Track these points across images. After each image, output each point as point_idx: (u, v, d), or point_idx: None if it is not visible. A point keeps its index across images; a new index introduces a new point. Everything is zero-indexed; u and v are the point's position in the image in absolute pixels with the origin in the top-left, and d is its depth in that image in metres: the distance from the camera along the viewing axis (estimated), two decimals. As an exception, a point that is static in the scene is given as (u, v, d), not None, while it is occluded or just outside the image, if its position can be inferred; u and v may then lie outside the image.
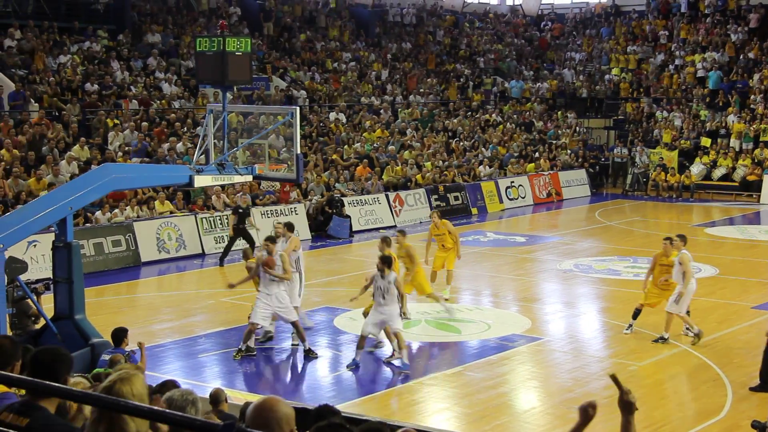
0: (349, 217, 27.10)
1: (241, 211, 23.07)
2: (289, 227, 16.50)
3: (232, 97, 27.60)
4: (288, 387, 14.15)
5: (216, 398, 8.92)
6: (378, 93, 36.66)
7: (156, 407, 4.08)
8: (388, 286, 14.25)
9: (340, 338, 16.31)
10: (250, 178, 15.53)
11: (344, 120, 33.33)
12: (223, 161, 14.79)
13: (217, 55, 14.40)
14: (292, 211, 26.26)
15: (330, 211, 26.85)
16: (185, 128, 28.00)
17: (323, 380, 14.43)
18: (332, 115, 33.15)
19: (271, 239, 15.19)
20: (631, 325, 16.24)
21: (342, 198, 27.42)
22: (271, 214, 25.81)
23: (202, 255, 23.82)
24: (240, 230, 22.92)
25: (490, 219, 30.79)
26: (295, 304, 15.41)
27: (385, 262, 14.44)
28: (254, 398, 9.78)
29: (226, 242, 23.38)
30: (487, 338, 16.27)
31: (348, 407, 12.41)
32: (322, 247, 25.50)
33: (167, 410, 4.06)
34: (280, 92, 32.44)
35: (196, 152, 15.58)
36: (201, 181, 14.71)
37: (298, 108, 15.95)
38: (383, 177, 29.96)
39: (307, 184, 27.33)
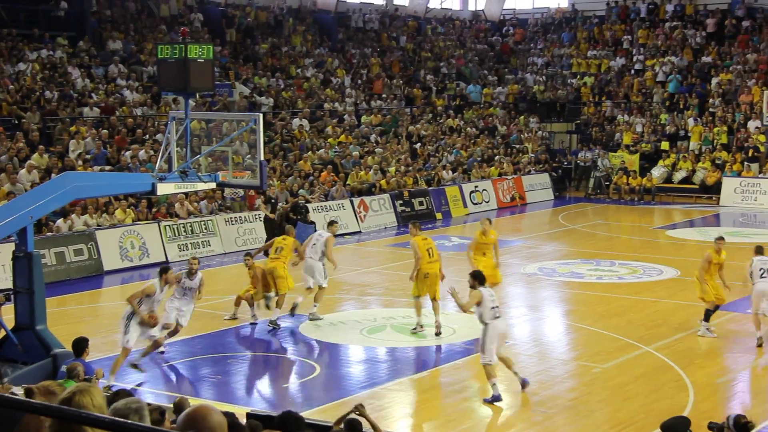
0: (313, 223, 27.04)
1: (273, 201, 24.97)
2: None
3: (194, 103, 27.48)
4: (253, 394, 14.10)
5: (179, 407, 8.85)
6: (341, 98, 36.67)
7: (116, 418, 4.05)
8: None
9: (305, 345, 16.28)
10: (213, 185, 15.51)
11: (308, 126, 33.30)
12: (186, 169, 14.73)
13: (179, 62, 14.35)
14: (256, 218, 26.19)
15: (294, 217, 26.79)
16: (147, 135, 27.83)
17: (288, 387, 14.39)
18: (296, 122, 33.11)
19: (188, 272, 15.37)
20: (708, 328, 16.20)
21: (306, 204, 27.38)
22: (235, 221, 25.73)
23: (166, 263, 23.64)
24: (269, 220, 24.68)
25: (455, 224, 30.90)
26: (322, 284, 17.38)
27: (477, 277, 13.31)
28: (222, 407, 9.74)
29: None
30: (452, 342, 16.32)
31: (313, 414, 12.39)
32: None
33: (128, 421, 4.03)
34: (243, 99, 32.35)
35: (159, 160, 15.50)
36: (163, 188, 14.65)
37: (261, 115, 15.93)
38: (348, 183, 29.96)
39: (274, 193, 27.28)
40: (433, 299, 16.59)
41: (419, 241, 16.63)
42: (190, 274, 15.33)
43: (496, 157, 36.04)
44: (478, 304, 12.86)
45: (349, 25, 42.48)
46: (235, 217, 25.78)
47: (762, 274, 15.37)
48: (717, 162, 35.13)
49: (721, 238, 16.93)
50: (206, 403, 4.18)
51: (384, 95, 38.38)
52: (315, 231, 26.68)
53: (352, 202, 28.84)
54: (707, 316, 16.25)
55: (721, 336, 16.58)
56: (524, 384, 13.26)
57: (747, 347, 15.81)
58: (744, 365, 14.88)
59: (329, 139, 32.95)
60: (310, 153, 31.18)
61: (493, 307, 12.89)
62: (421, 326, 16.51)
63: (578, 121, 41.41)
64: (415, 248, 16.55)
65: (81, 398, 4.00)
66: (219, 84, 30.70)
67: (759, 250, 16.08)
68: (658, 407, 12.68)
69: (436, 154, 34.82)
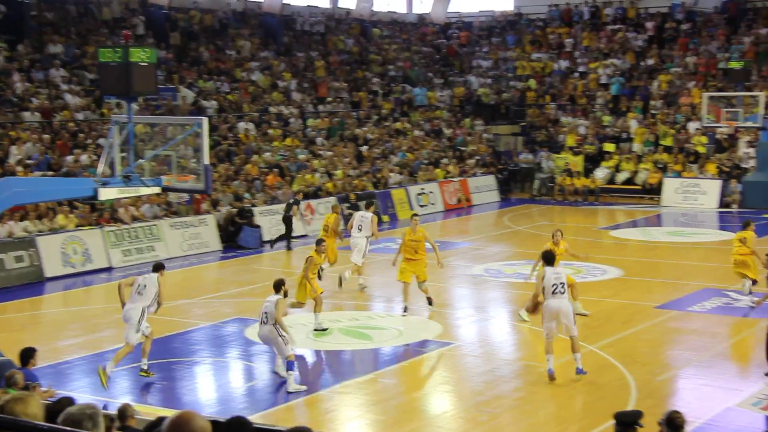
0: (259, 226, 26.97)
1: (291, 201, 26.30)
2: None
3: (138, 107, 27.20)
4: (199, 399, 14.00)
5: (123, 414, 8.79)
6: (287, 102, 36.58)
7: (55, 425, 4.03)
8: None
9: (251, 349, 16.22)
10: (157, 189, 15.36)
11: (253, 129, 33.17)
12: (129, 173, 14.59)
13: (121, 66, 14.21)
14: (201, 223, 26.02)
15: (240, 221, 26.68)
16: (90, 140, 27.50)
17: (235, 392, 14.33)
18: (241, 125, 32.96)
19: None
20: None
21: (252, 208, 27.27)
22: (181, 226, 25.54)
23: (109, 269, 23.41)
24: (285, 219, 26.01)
25: (401, 226, 30.94)
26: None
27: None
28: (166, 413, 9.66)
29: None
30: (398, 344, 16.38)
31: (260, 418, 12.36)
32: (233, 258, 25.31)
33: (66, 428, 4.02)
34: (188, 103, 32.12)
35: (100, 164, 15.33)
36: (106, 193, 14.49)
37: (206, 118, 15.83)
38: (294, 186, 29.89)
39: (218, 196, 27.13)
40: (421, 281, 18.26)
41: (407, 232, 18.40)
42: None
43: (443, 160, 36.23)
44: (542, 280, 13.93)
45: (295, 27, 42.39)
46: (180, 222, 25.59)
47: None
48: (659, 164, 35.69)
49: None
50: (189, 410, 4.28)
51: (330, 98, 38.36)
52: (261, 235, 26.73)
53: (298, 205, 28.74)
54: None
55: (663, 334, 16.87)
56: (579, 371, 13.74)
57: (687, 345, 16.10)
58: (684, 363, 15.13)
59: (275, 143, 32.85)
60: (256, 156, 31.06)
61: (552, 285, 13.76)
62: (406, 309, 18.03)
63: (523, 124, 41.78)
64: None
65: (14, 406, 3.97)
66: (163, 88, 30.45)
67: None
68: (601, 405, 12.86)
69: (383, 158, 34.89)
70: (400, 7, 49.43)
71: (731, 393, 13.34)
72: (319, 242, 17.38)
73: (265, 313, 13.86)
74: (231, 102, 34.44)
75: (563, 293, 13.84)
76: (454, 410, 13.40)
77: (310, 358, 15.84)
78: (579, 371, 13.79)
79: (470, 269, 22.85)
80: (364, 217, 20.68)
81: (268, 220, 27.54)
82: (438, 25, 49.42)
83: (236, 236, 26.48)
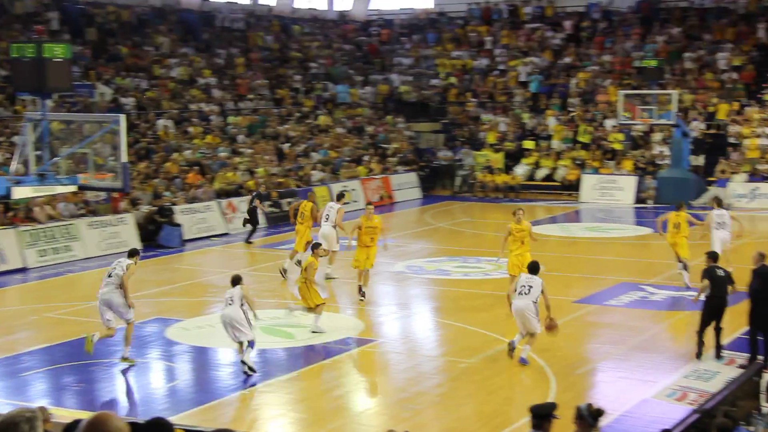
0: (180, 225, 26.64)
1: (254, 194, 27.28)
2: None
3: (53, 104, 26.63)
4: (119, 401, 13.78)
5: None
6: (207, 99, 36.21)
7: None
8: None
9: (172, 349, 16.02)
10: (73, 188, 15.06)
11: (173, 127, 32.74)
12: (44, 171, 14.27)
13: (34, 62, 13.89)
14: (120, 221, 25.59)
15: (160, 219, 26.33)
16: (3, 137, 26.82)
17: (155, 392, 14.14)
18: (161, 123, 32.51)
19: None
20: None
21: (172, 206, 26.93)
22: (99, 225, 25.09)
23: (24, 269, 22.87)
24: (251, 212, 26.72)
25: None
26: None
27: None
28: (83, 415, 9.48)
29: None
30: (321, 342, 16.35)
31: (181, 419, 12.22)
32: (153, 257, 24.93)
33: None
34: (105, 100, 31.54)
35: (13, 162, 14.97)
36: (20, 192, 14.16)
37: (123, 115, 15.57)
38: (215, 184, 29.61)
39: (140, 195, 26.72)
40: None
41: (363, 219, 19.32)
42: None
43: (365, 157, 36.29)
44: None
45: (215, 24, 41.95)
46: (98, 221, 25.13)
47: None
48: (577, 161, 36.30)
49: None
50: (106, 411, 4.26)
51: (251, 96, 38.09)
52: (181, 233, 26.43)
53: (219, 204, 28.53)
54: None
55: (581, 328, 17.17)
56: (522, 361, 14.45)
57: (604, 339, 16.41)
58: (602, 356, 15.42)
59: (196, 140, 32.49)
60: (176, 154, 30.67)
61: (521, 287, 14.54)
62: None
63: (444, 121, 42.08)
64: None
65: None
66: (79, 84, 29.85)
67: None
68: (521, 399, 13.03)
69: (305, 155, 34.77)
70: (321, 5, 49.31)
71: (647, 385, 13.64)
72: (315, 246, 17.12)
73: (230, 297, 14.31)
74: (150, 99, 33.95)
75: (528, 294, 14.38)
76: (377, 407, 13.44)
77: (232, 357, 15.69)
78: (522, 361, 14.37)
79: (392, 266, 22.92)
80: (332, 207, 21.27)
81: (189, 219, 27.23)
82: (359, 22, 49.44)
83: (156, 235, 26.12)
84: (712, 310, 14.45)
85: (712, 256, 15.04)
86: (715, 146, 35.27)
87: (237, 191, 29.80)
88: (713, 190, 31.82)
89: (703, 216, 21.99)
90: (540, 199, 35.29)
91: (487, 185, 36.44)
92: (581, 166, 36.03)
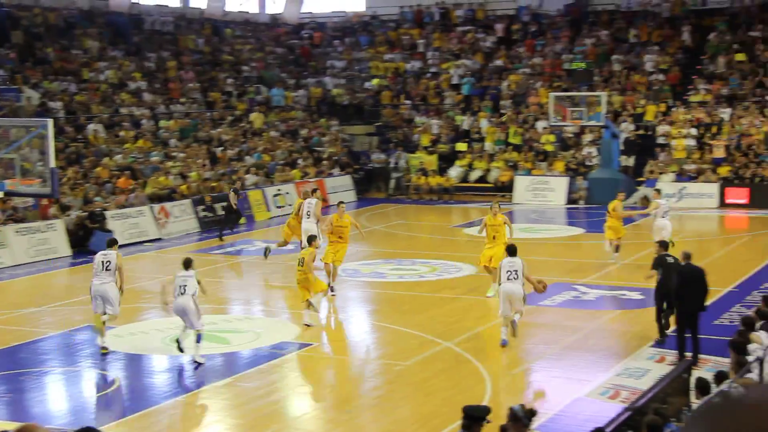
0: (111, 231, 26.23)
1: (231, 190, 28.30)
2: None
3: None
4: (49, 411, 13.52)
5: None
6: (138, 102, 35.75)
7: None
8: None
9: (105, 357, 15.77)
10: (0, 194, 14.74)
11: (103, 131, 32.25)
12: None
13: (-43, 66, 13.56)
14: (49, 228, 25.12)
15: (91, 225, 25.91)
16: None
17: (87, 401, 13.91)
18: (91, 127, 32.00)
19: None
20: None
21: (104, 211, 26.52)
22: (27, 231, 24.59)
23: (-50, 278, 22.32)
24: (228, 208, 27.80)
25: (258, 227, 30.76)
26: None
27: None
28: (9, 426, 9.29)
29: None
30: (257, 347, 16.25)
31: (113, 428, 12.05)
32: (83, 263, 24.51)
33: None
34: (33, 104, 30.94)
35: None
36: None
37: (51, 120, 15.31)
38: (147, 188, 29.25)
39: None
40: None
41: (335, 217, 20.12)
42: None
43: (299, 161, 36.17)
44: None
45: (144, 27, 41.44)
46: (26, 227, 24.62)
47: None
48: (510, 162, 36.67)
49: None
50: (31, 422, 4.19)
51: (183, 99, 37.71)
52: (114, 239, 25.99)
53: (152, 209, 28.18)
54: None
55: (517, 328, 17.31)
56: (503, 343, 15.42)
57: (538, 339, 16.59)
58: (536, 356, 15.60)
59: (126, 145, 32.05)
60: (106, 159, 30.22)
61: (507, 272, 15.35)
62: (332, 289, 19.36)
63: (378, 124, 42.17)
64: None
65: None
66: (5, 88, 29.29)
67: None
68: (459, 400, 13.08)
69: (238, 159, 34.53)
70: (253, 8, 49.04)
71: (581, 384, 13.83)
72: (311, 239, 17.87)
73: (183, 286, 14.60)
74: (79, 103, 33.40)
75: (516, 279, 15.29)
76: (314, 411, 13.41)
77: (166, 364, 15.52)
78: (503, 343, 15.39)
79: (328, 269, 22.85)
80: (309, 203, 22.18)
81: (121, 224, 26.84)
82: (291, 25, 49.28)
83: (87, 241, 25.69)
84: (663, 296, 15.19)
85: (663, 245, 15.96)
86: (644, 147, 35.94)
87: (170, 196, 29.47)
88: (642, 190, 32.41)
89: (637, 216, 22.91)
90: (474, 201, 35.53)
91: (421, 187, 36.61)
92: (514, 167, 36.40)
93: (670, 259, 15.27)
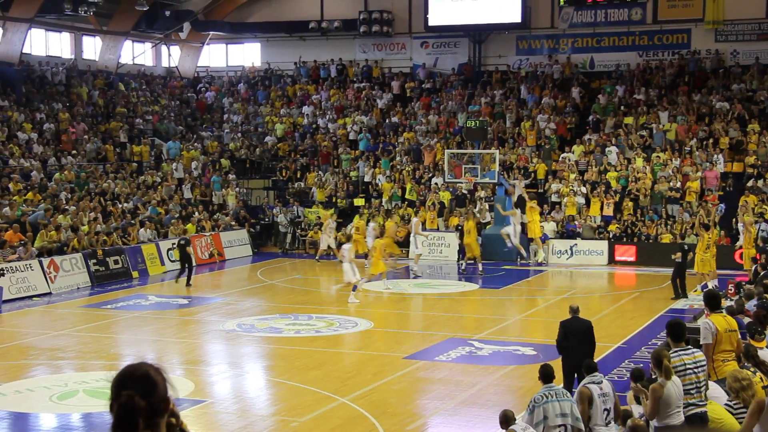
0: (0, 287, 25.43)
1: (182, 242, 29.26)
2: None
3: None
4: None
5: None
6: (28, 154, 34.91)
7: None
8: None
9: (-12, 418, 15.21)
10: None
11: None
12: None
13: None
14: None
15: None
16: None
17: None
18: (-23, 178, 31.07)
19: None
20: None
21: (-11, 266, 25.68)
22: None
23: None
24: (184, 256, 28.89)
25: (152, 282, 30.26)
26: None
27: None
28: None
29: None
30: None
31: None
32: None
33: None
34: None
35: None
36: None
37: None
38: (36, 242, 28.47)
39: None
40: None
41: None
42: None
43: (195, 214, 35.80)
44: None
45: (35, 78, 40.64)
46: None
47: None
48: (405, 218, 36.99)
49: None
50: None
51: (75, 151, 37.00)
52: (0, 294, 25.27)
53: (41, 263, 27.42)
54: None
55: (412, 384, 17.41)
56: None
57: (434, 394, 16.69)
58: (431, 411, 15.67)
59: (15, 197, 31.20)
60: (-7, 211, 29.35)
61: None
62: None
63: (275, 178, 42.14)
64: None
65: None
66: None
67: None
68: (355, 456, 13.05)
69: (133, 214, 33.96)
70: (148, 61, 48.68)
71: (476, 438, 13.94)
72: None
73: None
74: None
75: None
76: (207, 470, 13.15)
77: (53, 422, 15.04)
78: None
79: (223, 324, 22.62)
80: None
81: (8, 279, 26.02)
82: (187, 78, 49.08)
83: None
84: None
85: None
86: (537, 204, 36.72)
87: (61, 249, 28.73)
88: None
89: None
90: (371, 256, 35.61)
91: (318, 242, 36.57)
92: (410, 223, 36.69)
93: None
